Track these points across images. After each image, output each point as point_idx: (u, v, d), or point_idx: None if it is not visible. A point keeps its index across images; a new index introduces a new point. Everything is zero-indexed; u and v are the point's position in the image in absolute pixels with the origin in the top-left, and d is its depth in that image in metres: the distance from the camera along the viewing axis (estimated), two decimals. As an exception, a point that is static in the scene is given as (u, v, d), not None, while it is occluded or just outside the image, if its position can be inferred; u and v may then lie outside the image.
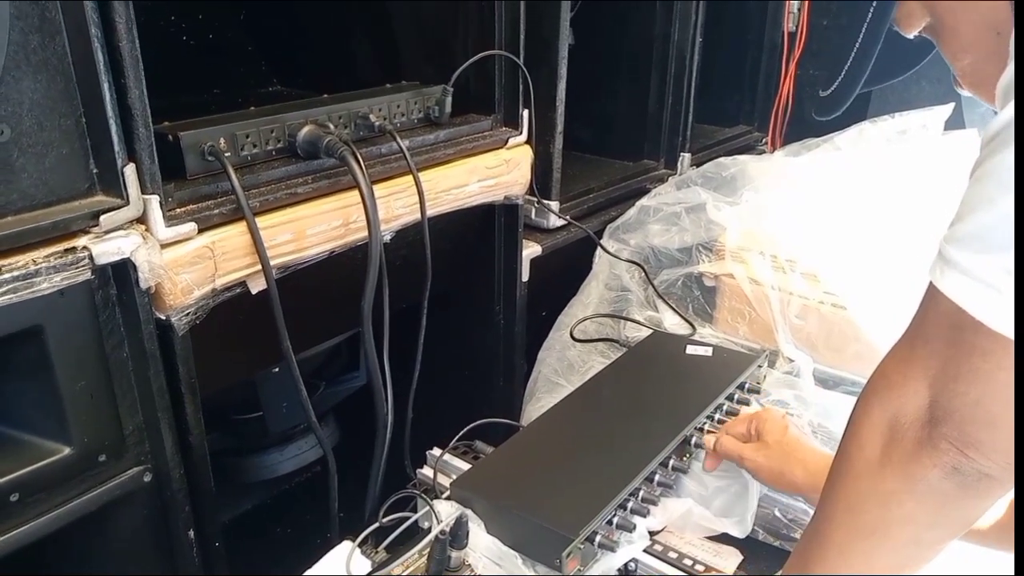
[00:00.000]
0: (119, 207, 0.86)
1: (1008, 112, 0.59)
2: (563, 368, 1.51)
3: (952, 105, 1.59)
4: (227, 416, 1.59)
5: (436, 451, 1.17)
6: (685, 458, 1.10)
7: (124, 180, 0.86)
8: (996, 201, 0.59)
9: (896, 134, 1.59)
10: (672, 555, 0.98)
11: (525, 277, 1.54)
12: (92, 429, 0.92)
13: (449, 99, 1.27)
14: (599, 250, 1.68)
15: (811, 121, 2.20)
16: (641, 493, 1.00)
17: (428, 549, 0.91)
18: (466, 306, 1.59)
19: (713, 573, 0.98)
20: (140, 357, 0.94)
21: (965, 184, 0.64)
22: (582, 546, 0.90)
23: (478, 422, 1.21)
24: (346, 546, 0.95)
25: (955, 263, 0.62)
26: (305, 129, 1.07)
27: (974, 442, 0.63)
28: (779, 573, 0.83)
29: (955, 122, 1.63)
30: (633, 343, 1.50)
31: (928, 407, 0.65)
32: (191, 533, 1.04)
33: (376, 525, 0.99)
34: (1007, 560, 0.71)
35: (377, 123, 1.15)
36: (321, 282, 1.22)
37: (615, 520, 0.95)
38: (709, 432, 1.13)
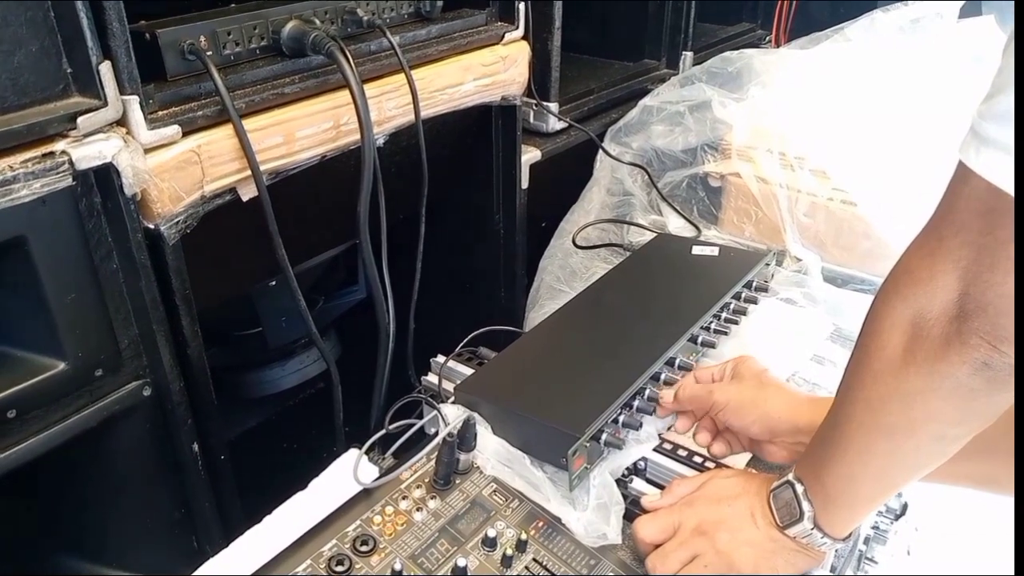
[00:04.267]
0: (97, 108, 0.82)
1: None
2: (565, 275, 1.49)
3: (968, -11, 1.52)
4: (227, 333, 1.58)
5: (440, 358, 1.16)
6: (692, 356, 1.08)
7: (100, 79, 0.81)
8: None
9: (909, 23, 1.52)
10: (682, 453, 0.97)
11: (525, 184, 1.50)
12: (86, 343, 0.89)
13: (441, -8, 1.21)
14: (600, 154, 1.63)
15: (818, 16, 2.12)
16: (647, 392, 0.98)
17: (436, 452, 0.90)
18: (465, 216, 1.55)
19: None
20: (130, 268, 0.91)
21: (998, 61, 0.59)
22: (588, 444, 0.88)
23: (481, 330, 1.19)
24: (352, 454, 0.94)
25: (992, 140, 0.57)
26: (290, 25, 1.02)
27: (1008, 336, 0.59)
28: (792, 472, 0.81)
29: (971, 9, 1.55)
30: (637, 248, 1.46)
31: (957, 301, 0.61)
32: (195, 446, 1.03)
33: (383, 432, 0.98)
34: (1007, 560, 0.69)
35: (365, 18, 1.09)
36: (316, 192, 1.18)
37: (621, 419, 0.93)
38: (666, 386, 1.02)
